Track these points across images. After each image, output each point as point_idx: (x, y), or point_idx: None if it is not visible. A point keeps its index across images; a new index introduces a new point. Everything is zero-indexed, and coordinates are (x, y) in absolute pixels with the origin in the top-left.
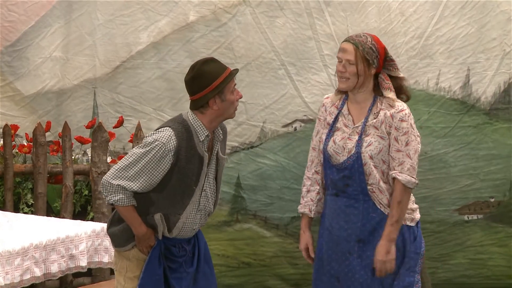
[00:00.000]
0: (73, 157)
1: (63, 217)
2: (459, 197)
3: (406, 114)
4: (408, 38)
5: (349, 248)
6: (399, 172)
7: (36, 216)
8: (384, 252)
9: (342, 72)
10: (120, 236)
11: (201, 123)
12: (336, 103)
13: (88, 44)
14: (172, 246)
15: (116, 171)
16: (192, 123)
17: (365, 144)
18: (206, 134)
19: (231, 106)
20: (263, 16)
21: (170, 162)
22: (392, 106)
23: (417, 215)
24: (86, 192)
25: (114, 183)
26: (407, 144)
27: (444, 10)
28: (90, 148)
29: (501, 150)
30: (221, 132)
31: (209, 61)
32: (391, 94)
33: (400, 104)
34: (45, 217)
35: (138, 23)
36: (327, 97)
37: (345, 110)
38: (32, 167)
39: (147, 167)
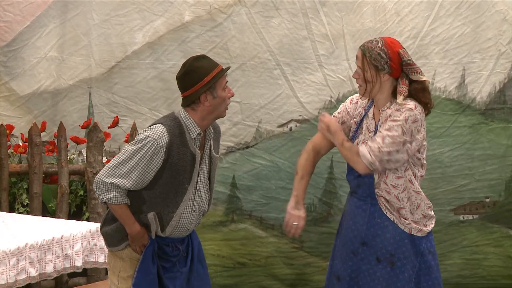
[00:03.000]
0: (68, 157)
1: (59, 217)
2: (454, 197)
3: (406, 107)
4: (403, 38)
5: (354, 249)
6: (364, 143)
7: (32, 216)
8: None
9: (356, 79)
10: (114, 236)
11: (193, 120)
12: (365, 105)
13: (83, 44)
14: (166, 245)
15: (109, 169)
16: (184, 120)
17: None
18: (198, 131)
19: (222, 103)
20: (259, 16)
21: (162, 158)
22: (400, 105)
23: (428, 227)
24: (82, 192)
25: (107, 181)
26: (388, 129)
27: (440, 10)
28: (85, 148)
29: (496, 150)
30: (212, 131)
31: (201, 58)
32: (401, 99)
33: (410, 103)
34: (41, 217)
35: (133, 23)
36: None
37: (370, 113)
38: (28, 167)
39: (139, 164)
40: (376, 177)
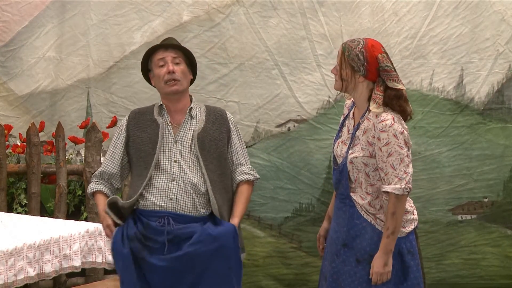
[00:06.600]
0: (66, 157)
1: (57, 217)
2: (452, 197)
3: (386, 124)
4: (401, 38)
5: (337, 251)
6: (386, 185)
7: (30, 216)
8: (381, 264)
9: (334, 74)
10: None
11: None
12: (348, 105)
13: (81, 44)
14: (152, 221)
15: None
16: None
17: (350, 151)
18: (159, 104)
19: (161, 80)
20: (257, 16)
21: (124, 135)
22: (376, 116)
23: (407, 228)
24: (80, 192)
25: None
26: (389, 155)
27: (438, 10)
28: (83, 148)
29: (494, 150)
30: (199, 110)
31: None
32: (374, 106)
33: (384, 115)
34: (39, 217)
35: (131, 23)
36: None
37: (351, 113)
38: (26, 167)
39: (110, 148)
40: (351, 183)
